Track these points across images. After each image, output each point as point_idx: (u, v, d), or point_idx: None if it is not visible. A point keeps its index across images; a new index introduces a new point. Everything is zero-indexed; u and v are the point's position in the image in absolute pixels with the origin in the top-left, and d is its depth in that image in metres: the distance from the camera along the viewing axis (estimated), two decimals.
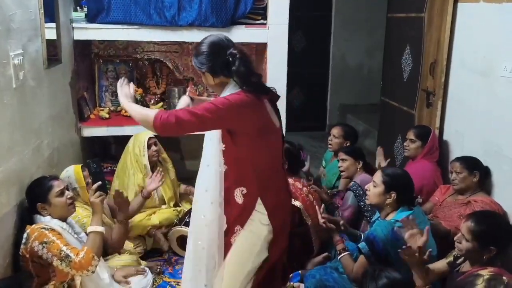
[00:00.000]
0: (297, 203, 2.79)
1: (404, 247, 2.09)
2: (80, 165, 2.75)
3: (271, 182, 2.11)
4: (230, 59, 1.98)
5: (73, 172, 2.66)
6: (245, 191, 2.08)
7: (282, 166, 2.19)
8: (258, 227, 2.10)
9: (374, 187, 2.49)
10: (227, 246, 2.15)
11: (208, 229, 2.16)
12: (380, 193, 2.46)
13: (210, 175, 2.14)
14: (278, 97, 2.18)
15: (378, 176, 2.49)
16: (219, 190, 2.13)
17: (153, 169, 3.34)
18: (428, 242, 2.24)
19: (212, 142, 2.12)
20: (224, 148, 2.07)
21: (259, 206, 2.08)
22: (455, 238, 2.13)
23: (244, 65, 1.98)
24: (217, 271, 2.17)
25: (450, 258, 2.27)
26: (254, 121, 1.99)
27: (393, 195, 2.42)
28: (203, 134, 2.17)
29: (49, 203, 2.28)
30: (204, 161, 2.17)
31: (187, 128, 1.95)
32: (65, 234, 2.24)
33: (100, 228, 2.28)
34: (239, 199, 2.09)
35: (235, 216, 2.12)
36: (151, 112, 1.95)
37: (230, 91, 2.01)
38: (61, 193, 2.31)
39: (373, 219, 2.64)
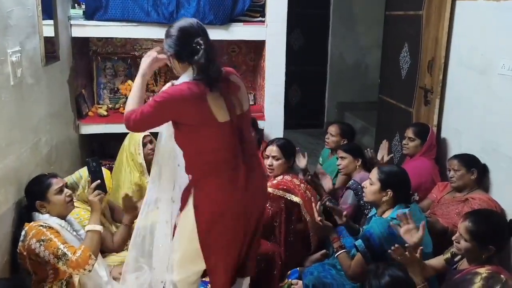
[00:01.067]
0: (296, 199, 2.79)
1: (392, 248, 2.10)
2: None
3: (215, 177, 2.05)
4: (197, 47, 1.97)
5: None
6: (191, 177, 2.13)
7: (239, 162, 2.06)
8: (185, 218, 2.11)
9: (370, 184, 2.49)
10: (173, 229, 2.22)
11: (168, 225, 2.23)
12: (376, 191, 2.46)
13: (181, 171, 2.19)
14: (237, 88, 2.09)
15: (374, 174, 2.49)
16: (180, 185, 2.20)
17: (149, 167, 3.32)
18: (424, 239, 2.25)
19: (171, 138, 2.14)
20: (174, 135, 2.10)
21: (190, 198, 2.08)
22: (453, 238, 2.13)
23: (205, 57, 1.95)
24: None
25: (448, 255, 2.28)
26: (191, 114, 1.97)
27: (389, 193, 2.42)
28: None
29: (47, 201, 2.27)
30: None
31: (140, 126, 2.09)
32: (64, 232, 2.23)
33: (98, 227, 2.28)
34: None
35: (183, 200, 2.16)
36: (127, 108, 2.10)
37: (183, 79, 2.03)
38: (60, 191, 2.31)
39: (369, 215, 2.65)
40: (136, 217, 2.76)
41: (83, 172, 2.72)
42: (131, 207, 2.71)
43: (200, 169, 2.08)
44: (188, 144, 2.06)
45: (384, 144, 3.45)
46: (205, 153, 2.05)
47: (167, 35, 2.06)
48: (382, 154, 3.37)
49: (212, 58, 1.98)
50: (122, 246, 2.73)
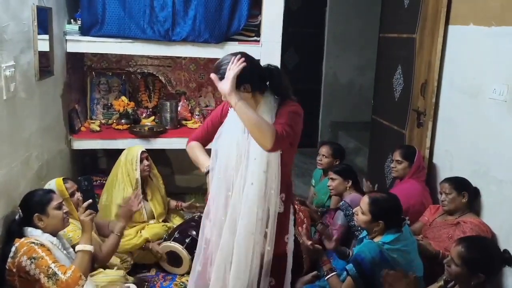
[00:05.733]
0: None
1: (384, 271, 2.09)
2: (62, 177, 2.70)
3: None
4: (267, 73, 2.07)
5: (55, 185, 2.61)
6: (284, 197, 2.13)
7: None
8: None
9: (362, 214, 2.48)
10: (283, 260, 2.21)
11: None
12: (367, 221, 2.45)
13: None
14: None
15: (365, 204, 2.47)
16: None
17: (143, 184, 3.31)
18: (415, 262, 2.23)
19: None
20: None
21: (291, 213, 2.20)
22: (445, 261, 2.13)
23: (282, 79, 2.09)
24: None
25: (441, 283, 2.27)
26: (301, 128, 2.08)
27: (381, 223, 2.42)
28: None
29: (46, 215, 2.25)
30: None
31: (288, 141, 2.00)
32: (55, 250, 2.21)
33: (89, 247, 2.25)
34: (281, 208, 2.13)
35: (281, 227, 2.16)
36: (269, 124, 1.90)
37: (274, 101, 2.07)
38: (59, 207, 2.30)
39: (361, 236, 2.64)
40: (127, 226, 2.74)
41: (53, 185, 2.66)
42: (128, 216, 2.70)
43: (288, 187, 2.19)
44: (290, 162, 2.16)
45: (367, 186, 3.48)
46: (291, 169, 2.21)
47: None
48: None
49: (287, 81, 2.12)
50: (110, 256, 2.67)
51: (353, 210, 2.58)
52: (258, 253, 2.14)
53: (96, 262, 2.59)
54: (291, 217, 2.22)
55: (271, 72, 2.06)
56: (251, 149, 2.07)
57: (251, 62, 2.00)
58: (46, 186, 2.64)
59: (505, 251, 2.36)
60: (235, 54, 1.99)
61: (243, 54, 2.00)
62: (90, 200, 2.37)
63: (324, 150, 3.62)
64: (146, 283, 2.97)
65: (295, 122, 1.97)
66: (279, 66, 3.60)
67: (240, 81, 1.95)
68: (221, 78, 1.94)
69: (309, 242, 2.56)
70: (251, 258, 2.13)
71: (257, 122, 1.86)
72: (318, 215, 3.22)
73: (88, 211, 2.34)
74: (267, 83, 2.09)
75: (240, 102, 1.89)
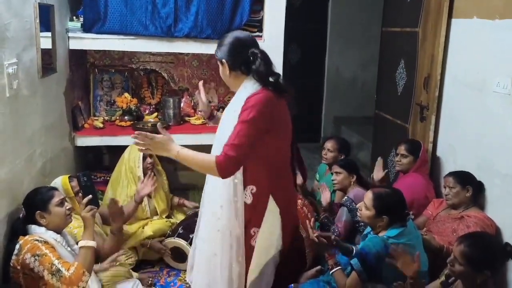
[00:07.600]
0: None
1: (395, 284, 2.10)
2: (68, 175, 2.71)
3: (283, 179, 2.16)
4: (251, 58, 2.04)
5: (60, 183, 2.62)
6: (254, 189, 2.09)
7: (290, 162, 2.23)
8: (271, 226, 2.13)
9: (365, 209, 2.48)
10: (248, 250, 2.15)
11: (221, 235, 2.14)
12: (371, 216, 2.45)
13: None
14: (292, 95, 2.14)
15: (369, 199, 2.47)
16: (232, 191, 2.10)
17: None
18: (421, 268, 2.23)
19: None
20: None
21: (271, 204, 2.11)
22: (448, 260, 2.11)
23: (264, 66, 2.04)
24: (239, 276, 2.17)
25: (443, 278, 2.26)
26: (277, 118, 2.03)
27: (384, 219, 2.41)
28: None
29: (49, 212, 2.26)
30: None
31: (242, 159, 1.95)
32: (59, 247, 2.22)
33: (91, 243, 2.26)
34: (248, 199, 2.09)
35: (247, 218, 2.11)
36: (210, 158, 1.93)
37: (250, 88, 2.03)
38: (61, 203, 2.31)
39: (365, 232, 2.64)
40: (122, 224, 2.73)
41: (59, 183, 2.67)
42: (117, 214, 2.66)
43: (263, 180, 2.09)
44: (267, 155, 2.06)
45: (379, 161, 3.46)
46: (276, 160, 2.11)
47: (221, 44, 2.10)
48: (377, 171, 3.39)
49: (270, 67, 2.08)
50: (113, 253, 2.67)
51: (357, 206, 2.58)
52: (224, 236, 2.14)
53: (99, 258, 2.58)
54: (269, 214, 2.12)
55: (253, 56, 2.05)
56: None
57: (238, 42, 2.07)
58: (52, 184, 2.65)
59: (507, 244, 2.35)
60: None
61: (236, 37, 2.10)
62: (90, 196, 2.36)
63: (329, 144, 3.62)
64: (151, 279, 2.98)
65: (243, 131, 1.93)
66: (281, 62, 3.65)
67: (221, 56, 2.09)
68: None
69: (315, 233, 2.55)
70: (210, 238, 2.19)
71: (197, 164, 1.97)
72: (322, 207, 3.22)
73: (88, 207, 2.34)
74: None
75: (179, 153, 1.97)
